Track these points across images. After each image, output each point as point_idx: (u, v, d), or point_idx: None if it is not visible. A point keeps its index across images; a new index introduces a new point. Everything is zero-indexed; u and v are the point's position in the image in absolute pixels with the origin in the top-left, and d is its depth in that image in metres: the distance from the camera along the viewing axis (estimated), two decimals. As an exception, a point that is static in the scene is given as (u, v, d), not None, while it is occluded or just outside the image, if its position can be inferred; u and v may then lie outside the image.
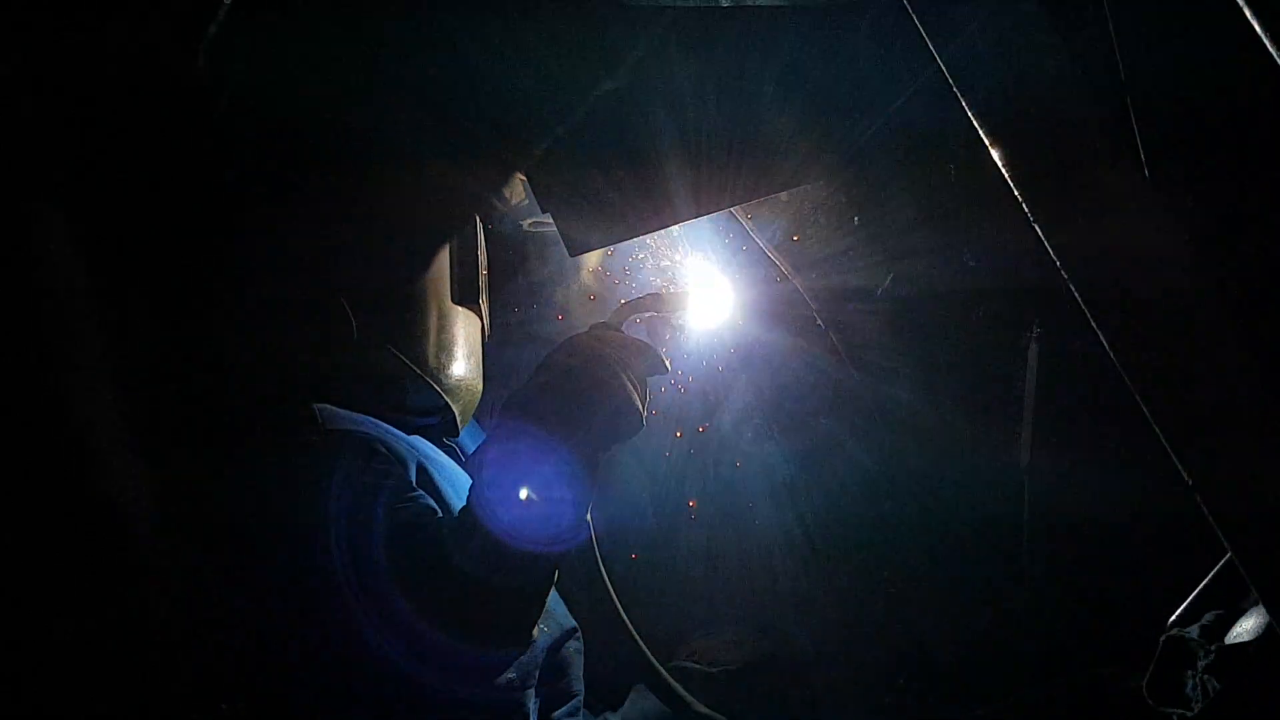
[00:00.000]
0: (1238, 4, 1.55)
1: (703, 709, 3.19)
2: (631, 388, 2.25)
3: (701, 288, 3.01)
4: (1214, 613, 2.38)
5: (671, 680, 3.19)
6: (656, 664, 3.15)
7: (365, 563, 2.14)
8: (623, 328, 2.44)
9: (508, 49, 2.47)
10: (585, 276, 3.61)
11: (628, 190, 2.77)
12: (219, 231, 2.51)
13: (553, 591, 2.70)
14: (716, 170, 2.78)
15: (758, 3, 2.38)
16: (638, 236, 2.96)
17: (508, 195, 3.09)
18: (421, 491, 2.33)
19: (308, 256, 2.53)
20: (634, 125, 2.74)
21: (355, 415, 2.45)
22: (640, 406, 2.27)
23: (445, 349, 2.67)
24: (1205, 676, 2.30)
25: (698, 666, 3.49)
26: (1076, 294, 1.92)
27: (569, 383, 2.21)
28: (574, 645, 2.77)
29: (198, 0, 2.19)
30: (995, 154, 1.96)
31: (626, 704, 3.22)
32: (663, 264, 3.32)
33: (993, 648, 3.46)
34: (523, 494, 2.13)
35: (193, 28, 2.20)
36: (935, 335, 3.48)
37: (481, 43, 2.46)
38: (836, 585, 3.88)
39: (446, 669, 2.22)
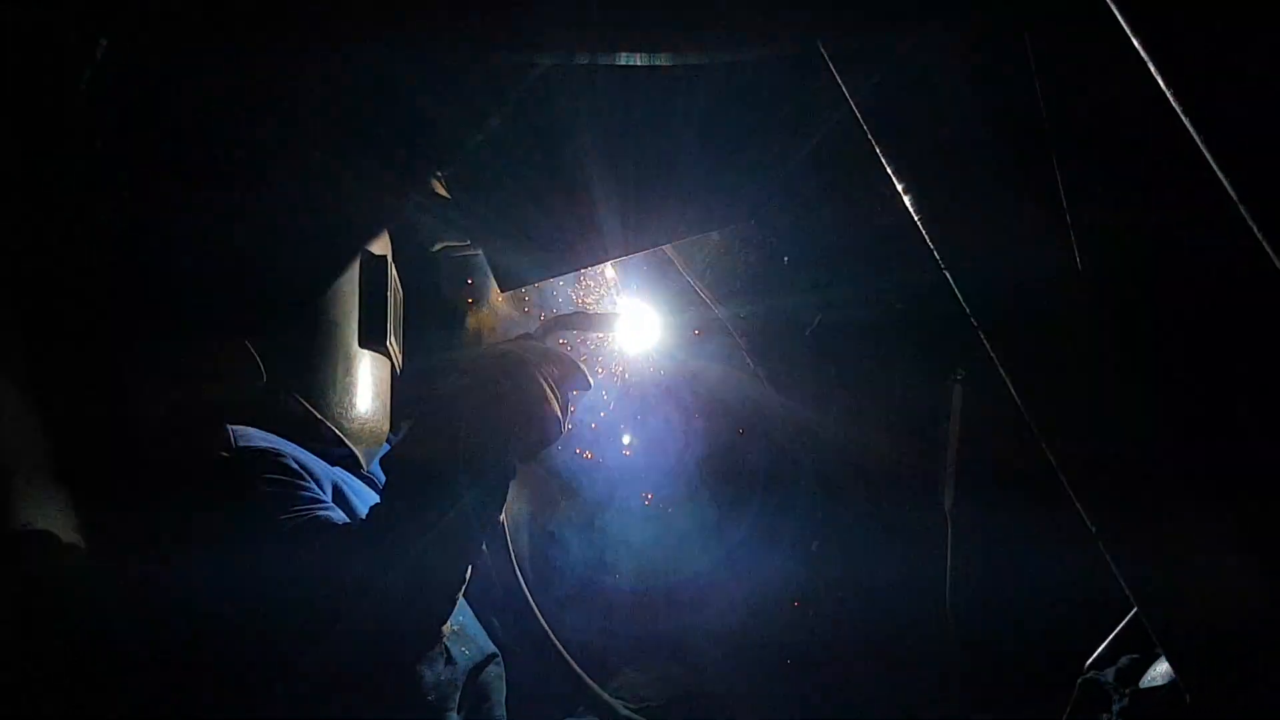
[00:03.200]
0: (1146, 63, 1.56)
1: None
2: (554, 398, 2.23)
3: (627, 310, 3.00)
4: (1129, 657, 2.39)
5: (609, 698, 3.16)
6: (591, 682, 3.11)
7: (261, 570, 2.11)
8: (547, 342, 2.42)
9: (406, 70, 2.46)
10: (503, 298, 3.59)
11: (560, 227, 2.77)
12: (115, 260, 2.50)
13: (472, 618, 2.68)
14: (647, 209, 2.78)
15: (677, 61, 2.39)
16: (569, 273, 2.95)
17: (418, 217, 3.10)
18: (332, 504, 2.31)
19: (206, 290, 2.51)
20: (566, 163, 2.75)
21: (273, 436, 2.43)
22: (561, 418, 2.25)
23: (348, 394, 2.67)
24: (1119, 720, 2.30)
25: (624, 701, 3.47)
26: (980, 332, 1.93)
27: (491, 389, 2.19)
28: (495, 670, 2.74)
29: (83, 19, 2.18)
30: (901, 190, 1.96)
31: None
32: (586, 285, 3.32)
33: (918, 685, 3.45)
34: (438, 495, 2.11)
35: (77, 49, 2.19)
36: (863, 371, 3.47)
37: (387, 67, 2.45)
38: (765, 622, 3.85)
39: (359, 684, 2.19)
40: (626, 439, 3.95)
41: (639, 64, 2.36)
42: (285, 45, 2.41)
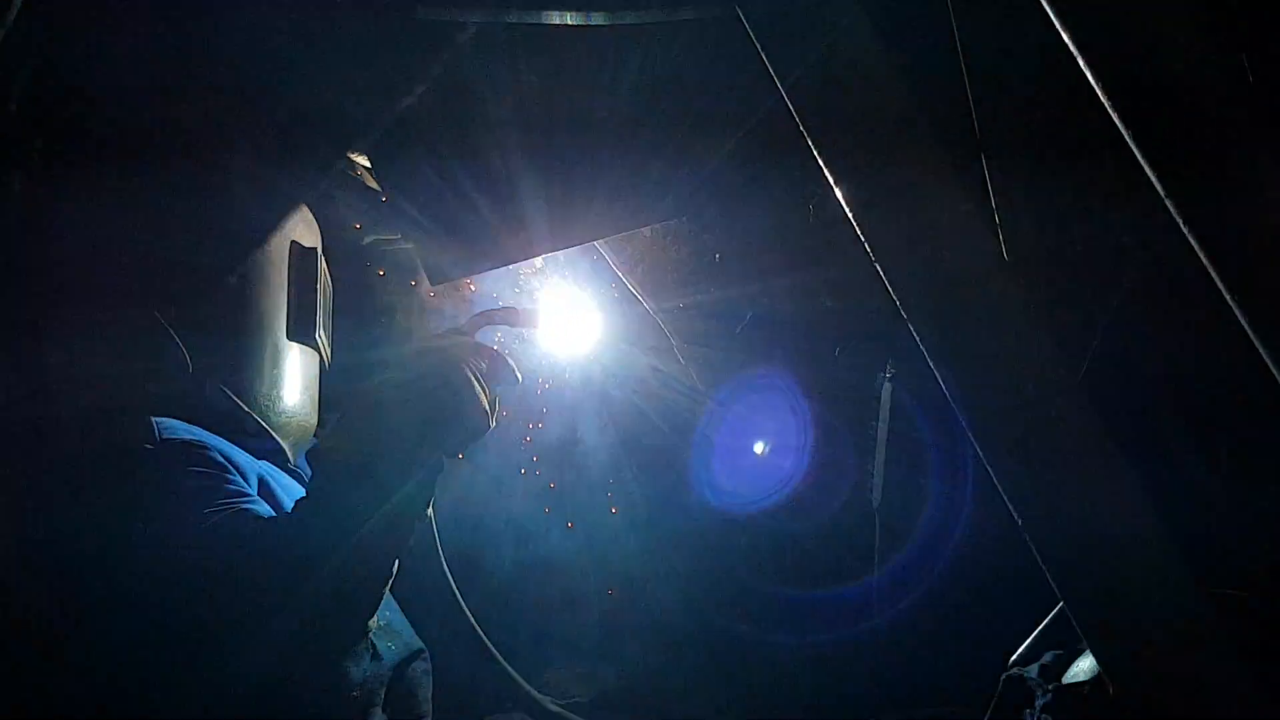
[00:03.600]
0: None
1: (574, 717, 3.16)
2: (481, 393, 2.22)
3: (557, 305, 3.00)
4: (1053, 653, 2.40)
5: (537, 694, 3.15)
6: (519, 679, 3.11)
7: (183, 564, 2.08)
8: (475, 337, 2.41)
9: (318, 47, 2.44)
10: (433, 291, 3.57)
11: (489, 222, 2.76)
12: (30, 244, 2.46)
13: (399, 613, 2.66)
14: (574, 205, 2.78)
15: (590, 23, 2.38)
16: (499, 267, 2.94)
17: (348, 210, 3.08)
18: (258, 497, 2.28)
19: (128, 276, 2.47)
20: (493, 159, 2.75)
21: (198, 429, 2.39)
22: (489, 412, 2.24)
23: (276, 386, 2.63)
24: (1043, 715, 2.31)
25: (551, 699, 3.46)
26: (907, 320, 1.94)
27: (421, 385, 2.17)
28: (421, 666, 2.72)
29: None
30: (832, 182, 1.97)
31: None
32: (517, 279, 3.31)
33: (849, 682, 3.46)
34: (364, 488, 2.08)
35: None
36: (794, 367, 3.48)
37: (293, 39, 2.43)
38: (693, 620, 3.85)
39: (284, 680, 2.16)
40: (556, 434, 3.94)
41: (569, 23, 2.36)
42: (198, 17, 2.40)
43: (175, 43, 2.46)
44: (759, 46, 2.03)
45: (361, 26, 2.44)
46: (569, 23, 2.35)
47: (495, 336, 2.61)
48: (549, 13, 2.33)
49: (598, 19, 2.37)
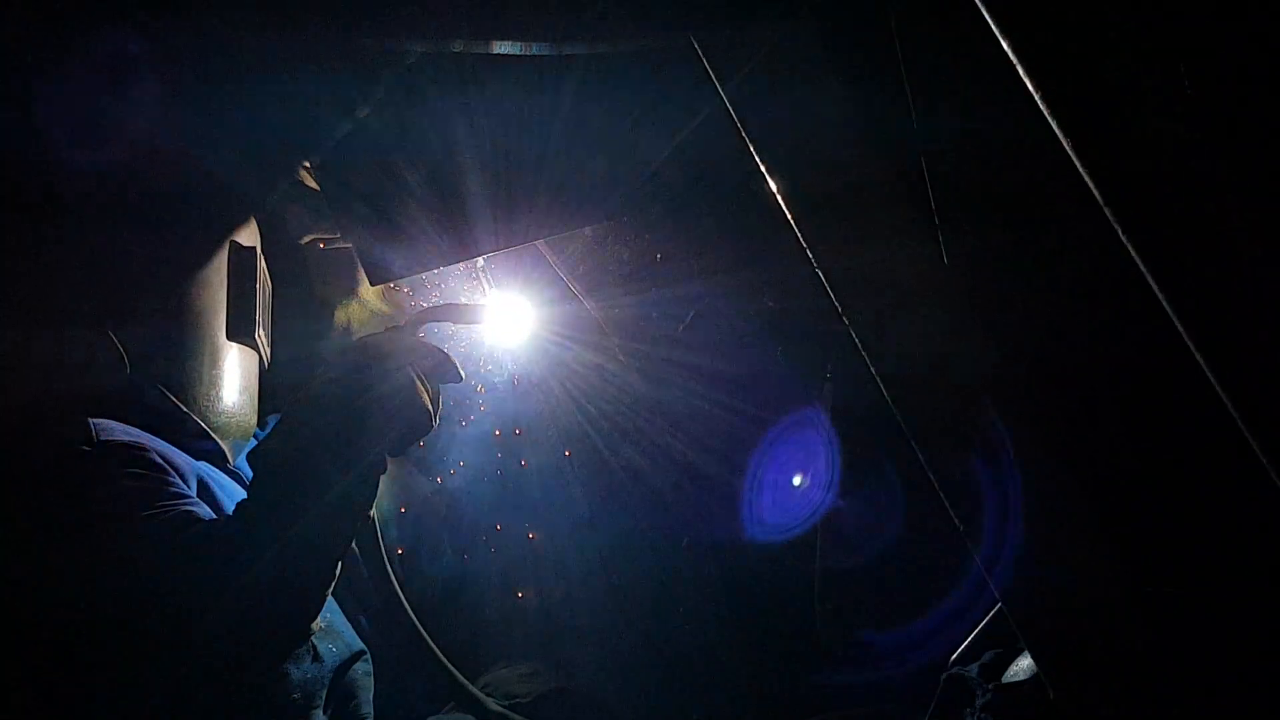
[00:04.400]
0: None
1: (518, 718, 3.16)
2: (423, 390, 2.21)
3: (497, 302, 3.00)
4: (993, 652, 2.42)
5: (479, 694, 3.14)
6: (461, 678, 3.09)
7: (123, 566, 2.06)
8: (416, 334, 2.40)
9: (274, 59, 2.43)
10: (373, 291, 3.56)
11: (430, 222, 2.76)
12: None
13: (340, 615, 2.65)
14: (516, 205, 2.79)
15: (536, 53, 2.39)
16: (440, 267, 2.94)
17: (287, 209, 3.07)
18: (197, 499, 2.26)
19: (64, 275, 2.45)
20: (434, 158, 2.76)
21: (136, 430, 2.38)
22: (431, 410, 2.23)
23: (214, 387, 2.63)
24: (983, 714, 2.33)
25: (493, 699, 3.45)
26: (845, 320, 1.95)
27: (363, 383, 2.16)
28: (363, 668, 2.72)
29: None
30: (773, 185, 1.97)
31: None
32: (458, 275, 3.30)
33: (788, 682, 3.47)
34: (305, 487, 2.07)
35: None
36: (735, 368, 3.49)
37: (250, 48, 2.42)
38: (634, 619, 3.85)
39: (225, 683, 2.15)
40: (496, 433, 3.93)
41: (516, 54, 2.36)
42: (147, 24, 2.38)
43: (127, 43, 2.44)
44: (706, 63, 2.04)
45: (316, 47, 2.44)
46: (516, 53, 2.35)
47: (439, 333, 2.59)
48: (497, 43, 2.33)
49: (545, 49, 2.37)
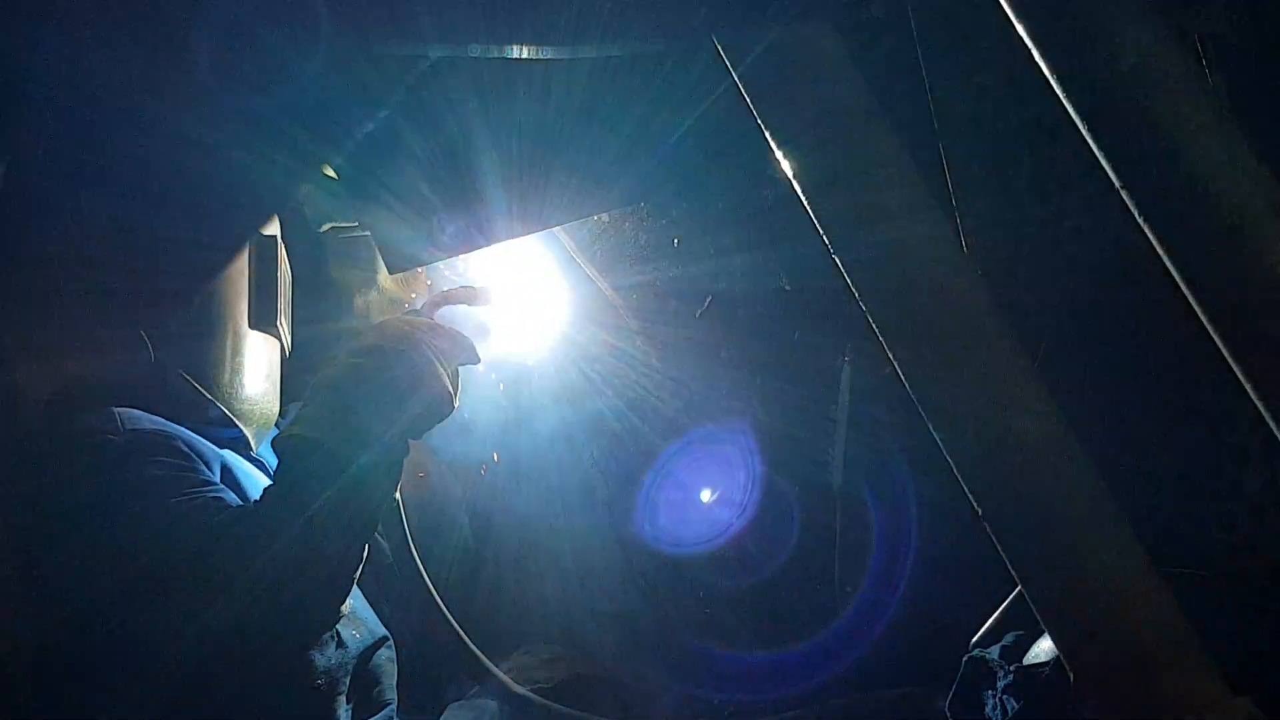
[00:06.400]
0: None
1: (542, 701, 3.17)
2: (443, 373, 2.21)
3: (513, 286, 3.00)
4: (1014, 634, 2.42)
5: (503, 676, 3.15)
6: (486, 660, 3.10)
7: (153, 553, 2.07)
8: (435, 317, 2.40)
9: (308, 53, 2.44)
10: (392, 279, 3.57)
11: (448, 210, 2.77)
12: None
13: (363, 600, 2.65)
14: (534, 191, 2.79)
15: (553, 57, 2.39)
16: (459, 254, 2.94)
17: (308, 197, 3.08)
18: (223, 486, 2.28)
19: (89, 266, 2.47)
20: (453, 146, 2.76)
21: (160, 419, 2.39)
22: (452, 393, 2.23)
23: (238, 374, 2.64)
24: (1004, 696, 2.33)
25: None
26: (861, 302, 1.94)
27: (382, 366, 2.16)
28: (386, 653, 2.72)
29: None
30: (785, 165, 1.97)
31: (444, 716, 3.18)
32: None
33: (808, 666, 3.47)
34: (329, 470, 2.07)
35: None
36: (753, 351, 3.48)
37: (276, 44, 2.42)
38: (654, 603, 3.85)
39: (249, 666, 2.16)
40: (511, 415, 3.93)
41: (532, 58, 2.37)
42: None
43: (154, 38, 2.45)
44: (723, 55, 2.04)
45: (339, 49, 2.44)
46: (533, 58, 2.36)
47: (455, 315, 2.59)
48: (513, 47, 2.33)
49: (562, 54, 2.37)
